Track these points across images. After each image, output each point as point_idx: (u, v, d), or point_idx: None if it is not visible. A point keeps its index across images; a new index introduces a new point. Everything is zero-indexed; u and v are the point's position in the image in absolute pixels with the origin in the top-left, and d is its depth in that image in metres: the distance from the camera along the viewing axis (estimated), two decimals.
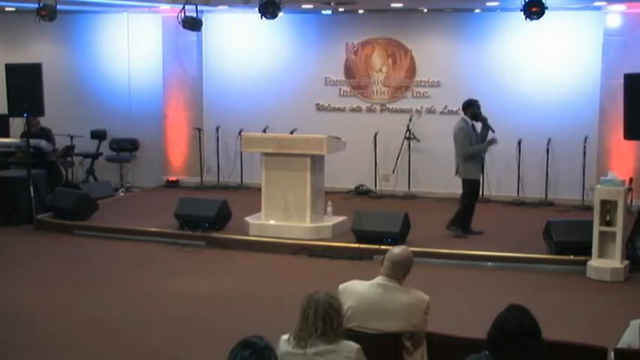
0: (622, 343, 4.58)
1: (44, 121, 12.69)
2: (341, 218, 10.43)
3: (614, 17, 11.91)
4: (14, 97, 11.28)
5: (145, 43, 14.23)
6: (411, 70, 13.17)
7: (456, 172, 10.16)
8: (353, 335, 4.32)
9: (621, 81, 9.55)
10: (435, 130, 12.99)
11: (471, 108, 10.00)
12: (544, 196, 12.40)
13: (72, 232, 10.87)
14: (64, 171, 13.13)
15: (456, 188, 12.78)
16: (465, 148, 9.87)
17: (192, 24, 11.41)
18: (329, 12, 13.50)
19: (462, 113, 10.13)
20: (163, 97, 14.15)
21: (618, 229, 8.56)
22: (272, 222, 10.20)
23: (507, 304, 3.69)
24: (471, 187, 10.12)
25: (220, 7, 13.34)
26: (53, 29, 13.44)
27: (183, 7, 11.14)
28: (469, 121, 9.99)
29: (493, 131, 10.09)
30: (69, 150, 13.57)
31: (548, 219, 9.55)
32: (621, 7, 11.75)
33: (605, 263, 8.64)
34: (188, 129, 14.09)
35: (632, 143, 11.00)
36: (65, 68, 14.50)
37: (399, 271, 4.82)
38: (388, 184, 13.25)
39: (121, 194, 13.45)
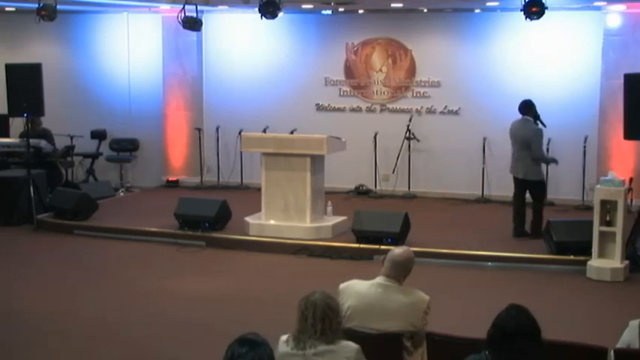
0: (621, 343, 4.59)
1: (44, 121, 12.69)
2: (341, 218, 10.43)
3: (614, 17, 11.90)
4: (14, 97, 11.29)
5: (145, 43, 14.24)
6: (411, 70, 13.17)
7: (516, 173, 10.03)
8: (353, 335, 4.32)
9: (621, 81, 9.55)
10: (435, 130, 13.01)
11: (534, 108, 9.94)
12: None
13: (72, 232, 10.87)
14: (63, 171, 13.12)
15: (456, 188, 12.89)
16: (540, 150, 9.83)
17: (192, 24, 11.41)
18: (329, 12, 13.50)
19: (521, 115, 9.95)
20: (163, 97, 14.15)
21: (618, 229, 8.56)
22: (272, 222, 10.20)
23: (507, 304, 3.69)
24: (542, 189, 10.02)
25: (220, 7, 13.34)
26: (53, 29, 13.44)
27: (183, 7, 11.13)
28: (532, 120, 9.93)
29: (545, 126, 10.07)
30: (69, 150, 13.57)
31: (548, 219, 9.55)
32: (621, 7, 11.75)
33: (605, 263, 8.64)
34: (188, 129, 14.09)
35: (632, 143, 11.00)
36: (65, 68, 14.50)
37: (400, 272, 4.82)
38: (388, 184, 13.25)
39: (121, 194, 13.45)
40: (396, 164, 13.12)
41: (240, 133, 12.60)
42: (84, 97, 14.50)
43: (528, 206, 10.15)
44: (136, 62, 14.31)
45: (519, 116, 10.08)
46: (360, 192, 13.26)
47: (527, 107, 9.98)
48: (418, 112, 13.14)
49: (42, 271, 9.07)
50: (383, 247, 9.01)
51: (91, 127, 14.30)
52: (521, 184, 10.09)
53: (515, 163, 10.08)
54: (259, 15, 10.53)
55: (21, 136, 12.55)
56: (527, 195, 10.14)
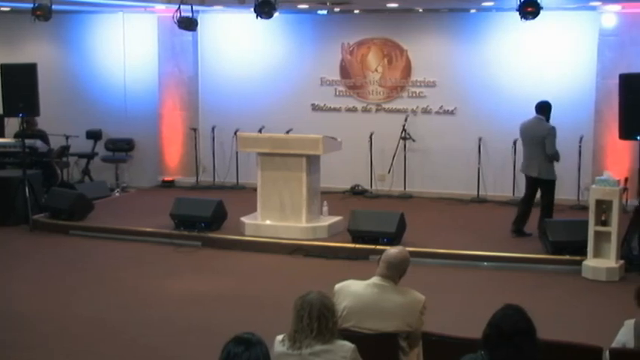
0: (616, 343, 4.60)
1: (40, 121, 12.68)
2: (337, 218, 10.43)
3: (610, 17, 11.91)
4: (9, 97, 11.28)
5: (140, 43, 14.21)
6: (407, 70, 13.17)
7: (530, 172, 10.03)
8: (349, 335, 4.33)
9: (616, 81, 9.56)
10: (431, 130, 13.01)
11: (550, 110, 9.99)
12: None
13: (68, 233, 10.86)
14: (59, 171, 13.11)
15: (452, 188, 12.90)
16: (555, 147, 9.79)
17: (188, 24, 11.40)
18: (325, 12, 13.49)
19: (536, 114, 10.00)
20: (159, 97, 14.13)
21: (613, 228, 8.59)
22: (268, 222, 10.20)
23: (503, 303, 3.70)
24: (553, 187, 10.03)
25: (216, 7, 13.32)
26: (48, 29, 13.42)
27: (179, 7, 11.11)
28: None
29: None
30: (64, 150, 13.55)
31: (544, 219, 9.57)
32: (616, 7, 11.76)
33: (601, 263, 8.66)
34: (184, 129, 14.07)
35: (627, 143, 11.01)
36: (61, 68, 14.48)
37: (395, 272, 4.82)
38: (384, 184, 13.26)
39: (117, 194, 13.43)
40: (391, 164, 13.12)
41: (235, 133, 12.56)
42: (79, 97, 14.48)
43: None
44: (132, 62, 14.28)
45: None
46: (356, 192, 13.25)
47: (545, 108, 10.01)
48: (414, 112, 13.14)
49: (38, 272, 9.06)
50: (379, 247, 9.02)
51: (86, 127, 14.27)
52: (533, 184, 10.08)
53: (529, 161, 10.07)
54: (255, 15, 10.52)
55: (16, 136, 12.54)
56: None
